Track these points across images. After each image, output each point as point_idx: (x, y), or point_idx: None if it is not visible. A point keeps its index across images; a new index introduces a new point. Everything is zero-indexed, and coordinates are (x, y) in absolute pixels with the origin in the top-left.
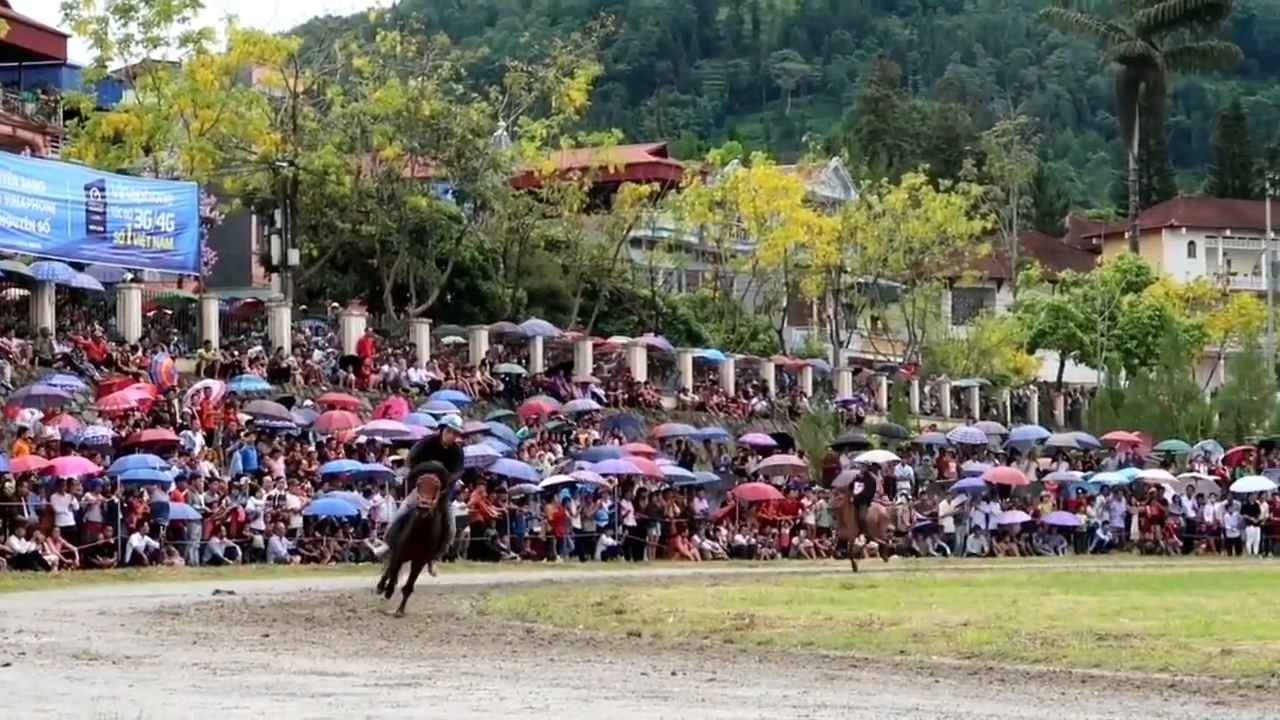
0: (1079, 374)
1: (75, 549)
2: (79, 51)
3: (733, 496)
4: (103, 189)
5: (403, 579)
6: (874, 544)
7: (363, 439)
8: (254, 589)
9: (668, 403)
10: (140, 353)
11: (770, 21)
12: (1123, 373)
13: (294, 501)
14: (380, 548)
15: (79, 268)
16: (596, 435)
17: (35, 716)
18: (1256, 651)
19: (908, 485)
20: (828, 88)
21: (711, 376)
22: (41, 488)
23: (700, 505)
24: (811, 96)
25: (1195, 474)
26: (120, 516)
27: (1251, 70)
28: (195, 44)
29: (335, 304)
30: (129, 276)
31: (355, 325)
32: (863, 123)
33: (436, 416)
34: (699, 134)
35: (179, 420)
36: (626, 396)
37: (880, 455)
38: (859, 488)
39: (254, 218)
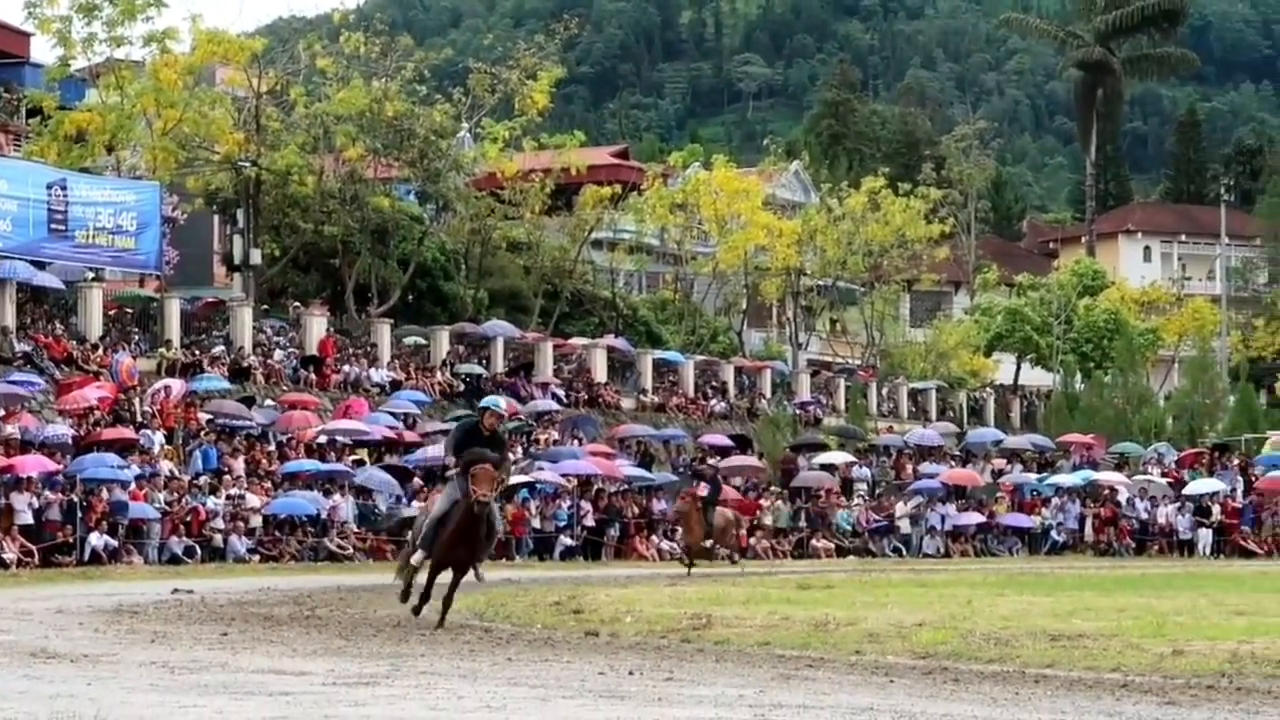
0: (1035, 377)
1: (34, 547)
2: (42, 50)
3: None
4: (65, 188)
5: (436, 581)
6: (722, 550)
7: (323, 439)
8: (213, 588)
9: (627, 404)
10: (101, 351)
11: (732, 25)
12: (1078, 376)
13: (253, 501)
14: (416, 554)
15: (40, 266)
16: (556, 436)
17: None
18: (1207, 652)
19: (865, 486)
20: (789, 91)
21: (671, 378)
22: (0, 486)
23: (659, 506)
24: (772, 100)
25: (1148, 476)
26: (79, 515)
27: (1207, 77)
28: (159, 43)
29: (297, 304)
30: (90, 275)
31: (316, 325)
32: (823, 126)
33: (477, 404)
34: (661, 137)
35: (139, 419)
36: (586, 397)
37: (838, 456)
38: (705, 490)
39: (216, 217)
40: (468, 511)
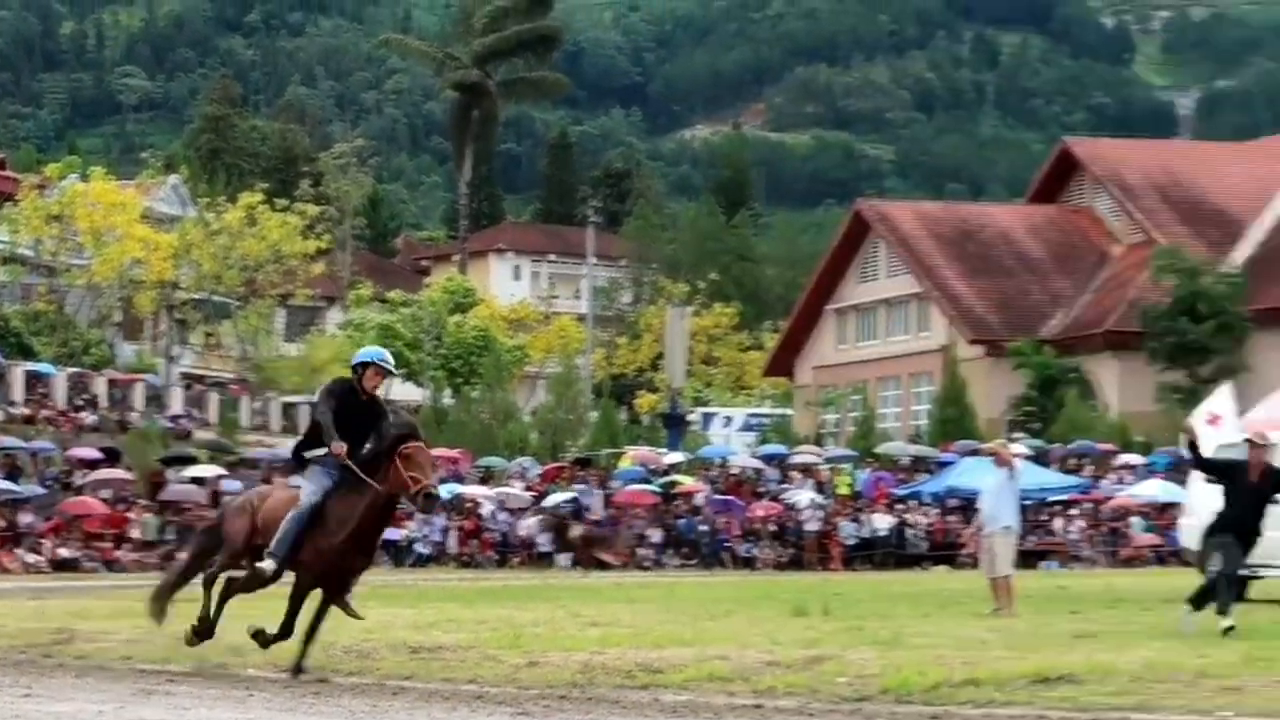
0: (405, 391)
1: None
2: None
3: (59, 511)
4: None
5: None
6: None
7: None
8: None
9: None
10: None
11: (114, 37)
12: (447, 391)
13: None
14: (266, 563)
15: None
16: None
17: None
18: (561, 663)
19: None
20: (170, 105)
21: (42, 390)
22: None
23: (26, 519)
24: (153, 113)
25: (510, 489)
26: None
27: (580, 101)
28: None
29: None
30: None
31: None
32: (203, 141)
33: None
34: (39, 147)
35: None
36: None
37: (208, 470)
38: None
39: None
40: (378, 508)
